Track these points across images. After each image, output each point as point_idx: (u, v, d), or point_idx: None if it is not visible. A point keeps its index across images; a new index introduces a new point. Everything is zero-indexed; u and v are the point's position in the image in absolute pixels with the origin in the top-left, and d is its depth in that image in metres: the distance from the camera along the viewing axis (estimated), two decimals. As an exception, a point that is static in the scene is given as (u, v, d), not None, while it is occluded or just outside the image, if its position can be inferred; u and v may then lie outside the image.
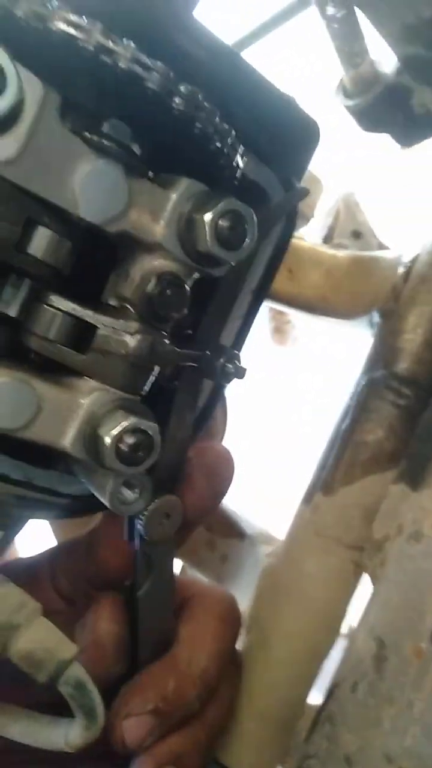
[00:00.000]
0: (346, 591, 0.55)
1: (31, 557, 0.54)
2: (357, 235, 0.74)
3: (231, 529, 0.70)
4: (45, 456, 0.43)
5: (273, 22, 0.68)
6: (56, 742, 0.43)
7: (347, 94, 0.64)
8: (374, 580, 0.52)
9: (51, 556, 0.53)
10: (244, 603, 0.60)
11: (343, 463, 0.55)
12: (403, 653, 0.44)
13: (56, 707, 0.43)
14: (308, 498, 0.58)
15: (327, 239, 0.77)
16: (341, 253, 0.70)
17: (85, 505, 0.47)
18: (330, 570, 0.55)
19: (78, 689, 0.40)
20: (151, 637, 0.47)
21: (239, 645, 0.56)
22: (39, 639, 0.39)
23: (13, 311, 0.36)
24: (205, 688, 0.48)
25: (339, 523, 0.55)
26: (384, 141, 0.80)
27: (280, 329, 1.21)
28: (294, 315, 1.16)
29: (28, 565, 0.53)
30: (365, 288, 0.64)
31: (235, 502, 0.73)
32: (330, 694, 0.50)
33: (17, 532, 0.53)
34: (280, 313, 1.14)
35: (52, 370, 0.36)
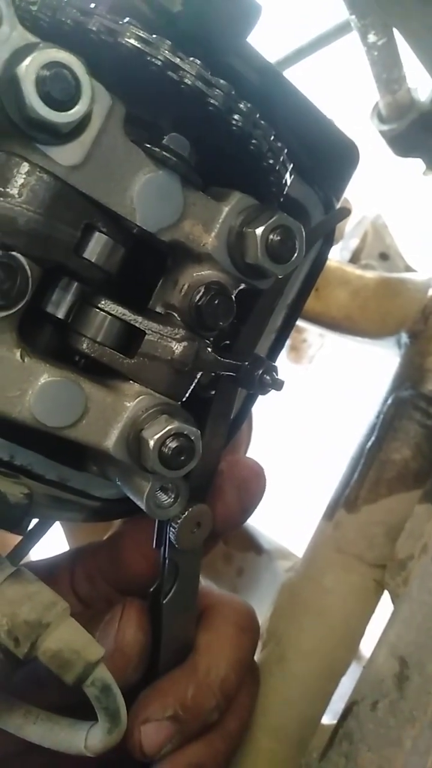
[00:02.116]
0: (366, 609, 0.55)
1: (49, 558, 0.54)
2: (384, 257, 0.75)
3: (249, 543, 0.70)
4: (78, 458, 0.44)
5: (311, 46, 0.70)
6: (76, 746, 0.42)
7: (382, 120, 0.65)
8: (395, 598, 0.52)
9: (71, 558, 0.53)
10: (260, 617, 0.60)
11: (368, 480, 0.56)
12: (427, 673, 0.44)
13: (70, 712, 0.43)
14: (330, 514, 0.58)
15: (354, 260, 0.79)
16: (369, 274, 0.71)
17: (115, 509, 0.47)
18: (350, 587, 0.55)
19: (104, 692, 0.40)
20: (172, 643, 0.47)
21: (255, 658, 0.56)
22: (67, 639, 0.39)
23: (60, 313, 0.37)
24: (225, 698, 0.48)
25: (361, 541, 0.55)
26: (412, 165, 0.81)
27: (296, 347, 1.22)
28: (311, 334, 1.16)
29: (46, 567, 0.53)
30: (393, 309, 0.65)
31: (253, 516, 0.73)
32: (348, 712, 0.49)
33: (44, 533, 0.53)
34: (297, 331, 1.15)
35: (97, 372, 0.37)
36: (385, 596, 0.57)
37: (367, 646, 0.58)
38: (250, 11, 0.40)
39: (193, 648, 0.49)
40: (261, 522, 0.72)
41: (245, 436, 0.65)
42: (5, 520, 0.38)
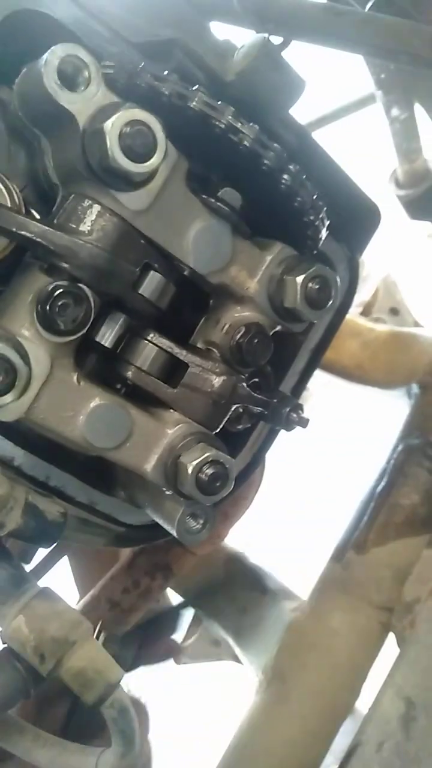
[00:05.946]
0: (371, 651, 0.56)
1: None
2: (395, 311, 0.79)
3: (253, 584, 0.71)
4: (107, 484, 0.46)
5: (334, 115, 0.76)
6: (86, 771, 0.43)
7: (399, 185, 0.70)
8: (402, 641, 0.53)
9: None
10: (263, 656, 0.61)
11: (377, 523, 0.58)
12: (435, 713, 0.45)
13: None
14: (339, 555, 0.59)
15: (365, 313, 0.82)
16: (379, 327, 0.75)
17: (136, 536, 0.49)
18: (357, 628, 0.56)
19: (121, 714, 0.40)
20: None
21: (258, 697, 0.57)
22: (92, 658, 0.40)
23: (108, 342, 0.39)
24: None
25: (370, 583, 0.57)
26: (420, 227, 0.86)
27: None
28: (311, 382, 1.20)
29: None
30: (403, 361, 0.68)
31: (256, 557, 0.74)
32: (351, 754, 0.50)
33: (62, 557, 0.55)
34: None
35: (138, 399, 0.40)
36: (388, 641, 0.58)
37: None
38: (295, 86, 0.44)
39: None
40: (264, 562, 0.73)
41: (257, 478, 0.66)
42: (42, 537, 0.39)
